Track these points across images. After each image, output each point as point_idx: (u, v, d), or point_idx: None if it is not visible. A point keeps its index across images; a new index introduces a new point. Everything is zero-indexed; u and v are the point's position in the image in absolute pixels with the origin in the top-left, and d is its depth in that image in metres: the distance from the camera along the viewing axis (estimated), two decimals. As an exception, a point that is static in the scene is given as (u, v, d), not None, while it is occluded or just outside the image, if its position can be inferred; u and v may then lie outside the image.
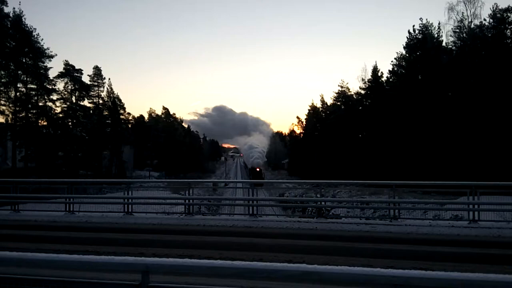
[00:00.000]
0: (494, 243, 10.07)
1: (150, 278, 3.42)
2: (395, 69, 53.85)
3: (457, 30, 45.19)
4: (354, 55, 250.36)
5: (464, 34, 44.22)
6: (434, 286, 3.12)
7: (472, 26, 42.78)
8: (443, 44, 47.62)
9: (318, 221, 13.65)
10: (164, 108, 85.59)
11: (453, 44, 46.83)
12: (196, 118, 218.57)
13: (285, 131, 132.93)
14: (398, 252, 9.24)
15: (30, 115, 47.10)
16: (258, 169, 79.18)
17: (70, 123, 54.15)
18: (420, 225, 12.34)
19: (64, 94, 53.33)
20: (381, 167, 51.42)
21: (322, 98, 77.27)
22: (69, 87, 54.26)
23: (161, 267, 3.47)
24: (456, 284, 3.07)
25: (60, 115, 52.59)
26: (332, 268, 3.29)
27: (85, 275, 3.72)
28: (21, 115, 46.12)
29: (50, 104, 50.17)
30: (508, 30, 40.68)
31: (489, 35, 40.13)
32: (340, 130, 62.65)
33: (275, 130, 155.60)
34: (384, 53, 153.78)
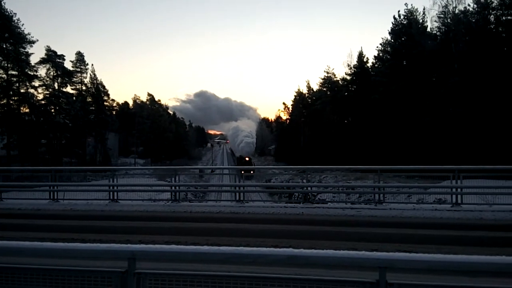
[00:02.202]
0: (476, 225, 10.28)
1: (137, 265, 3.40)
2: (380, 54, 54.08)
3: (442, 16, 45.42)
4: (340, 41, 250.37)
5: (449, 20, 44.47)
6: (418, 267, 3.18)
7: (457, 11, 43.04)
8: (428, 29, 47.91)
9: (305, 206, 13.75)
10: (149, 94, 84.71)
11: (437, 30, 47.11)
12: (178, 104, 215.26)
13: (271, 117, 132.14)
14: (383, 235, 9.39)
15: (11, 102, 46.16)
16: (247, 159, 70.48)
17: (52, 110, 53.17)
18: (404, 209, 12.53)
19: (46, 81, 52.25)
20: (367, 152, 51.94)
21: (308, 84, 77.42)
22: (51, 73, 53.10)
23: (148, 253, 3.46)
24: (440, 265, 3.13)
25: (43, 102, 51.60)
26: (318, 252, 3.32)
27: (71, 264, 3.69)
28: (2, 102, 45.20)
29: (32, 90, 49.28)
30: (492, 15, 41.04)
31: (473, 20, 40.44)
32: (326, 115, 62.92)
33: (261, 116, 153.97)
34: (370, 38, 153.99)
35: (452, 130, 39.45)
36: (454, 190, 13.18)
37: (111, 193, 15.13)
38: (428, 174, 15.11)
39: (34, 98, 49.59)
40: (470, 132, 38.57)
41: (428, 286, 3.02)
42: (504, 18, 40.18)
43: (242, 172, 17.47)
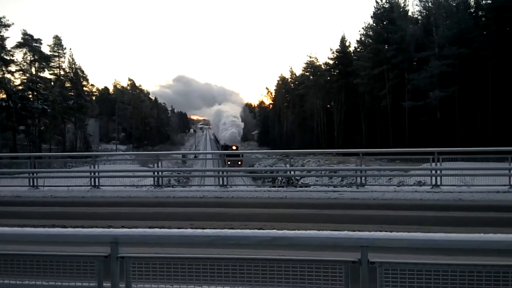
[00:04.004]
0: (455, 206, 10.53)
1: (120, 250, 3.37)
2: (363, 39, 54.24)
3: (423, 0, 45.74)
4: (323, 25, 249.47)
5: (430, 4, 44.78)
6: (398, 246, 3.24)
7: (438, -5, 43.36)
8: (409, 13, 48.19)
9: (288, 190, 13.85)
10: (129, 79, 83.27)
11: (419, 13, 47.45)
12: (157, 89, 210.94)
13: (254, 103, 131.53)
14: (365, 217, 9.56)
15: (-13, 87, 44.92)
16: (234, 147, 57.64)
17: (30, 96, 51.87)
18: (386, 191, 12.72)
19: (23, 65, 50.89)
20: (349, 136, 52.45)
21: (291, 69, 77.36)
22: (28, 57, 51.69)
23: (130, 237, 3.43)
24: (419, 243, 3.19)
25: (20, 87, 50.34)
26: (301, 232, 3.35)
27: (52, 250, 3.63)
28: (-23, 88, 43.91)
29: (8, 76, 48.17)
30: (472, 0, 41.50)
31: (454, 4, 40.79)
32: (309, 100, 63.13)
33: (244, 101, 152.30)
34: (354, 23, 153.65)
35: (434, 113, 40.07)
36: (433, 172, 13.45)
37: (92, 179, 14.95)
38: (409, 157, 15.37)
39: (11, 84, 48.38)
40: (451, 116, 39.26)
41: (408, 264, 3.08)
42: (484, 2, 40.66)
43: (229, 162, 17.18)
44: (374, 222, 8.85)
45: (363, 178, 14.22)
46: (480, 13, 41.12)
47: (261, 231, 3.44)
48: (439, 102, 38.45)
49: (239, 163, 23.51)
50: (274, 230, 3.40)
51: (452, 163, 14.01)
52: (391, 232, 3.56)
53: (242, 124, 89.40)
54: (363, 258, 3.10)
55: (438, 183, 13.06)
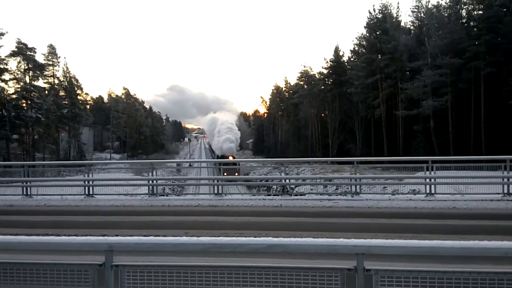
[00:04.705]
0: (449, 214, 10.55)
1: (114, 259, 3.34)
2: (356, 48, 54.69)
3: (415, 10, 46.29)
4: (317, 35, 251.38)
5: (422, 14, 45.31)
6: (394, 253, 3.24)
7: (430, 6, 43.92)
8: (402, 23, 48.72)
9: (283, 198, 13.83)
10: (124, 88, 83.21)
11: (411, 24, 47.99)
12: (151, 98, 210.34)
13: (248, 112, 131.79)
14: (360, 225, 9.55)
15: (-20, 96, 44.63)
16: (231, 158, 53.92)
17: (24, 104, 51.63)
18: (380, 200, 12.73)
19: (17, 74, 50.70)
20: (344, 144, 52.59)
21: (286, 78, 77.94)
22: (22, 66, 51.51)
23: (125, 245, 3.41)
24: (415, 250, 3.20)
25: (13, 96, 50.08)
26: (296, 240, 3.35)
27: (46, 259, 3.60)
28: (-29, 96, 43.59)
29: (2, 84, 47.76)
30: (464, 10, 42.01)
31: (446, 14, 41.30)
32: (303, 109, 63.37)
33: (239, 110, 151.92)
34: (347, 33, 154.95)
35: (427, 122, 40.32)
36: (428, 180, 13.50)
37: (86, 188, 14.87)
38: (403, 165, 15.43)
39: (5, 92, 48.08)
40: (444, 125, 39.52)
41: (404, 271, 3.08)
42: (475, 12, 41.19)
43: (225, 173, 16.86)
44: (369, 230, 8.85)
45: (357, 186, 14.24)
46: (472, 23, 41.64)
47: (257, 238, 3.43)
48: (432, 111, 38.73)
49: (236, 174, 21.70)
50: (270, 238, 3.39)
51: (446, 172, 14.09)
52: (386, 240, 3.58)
53: (238, 133, 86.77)
54: (359, 265, 3.10)
55: (433, 191, 13.11)
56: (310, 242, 3.27)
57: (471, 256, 3.34)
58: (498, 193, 12.60)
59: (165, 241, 3.51)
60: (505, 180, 12.80)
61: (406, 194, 14.99)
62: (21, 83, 51.08)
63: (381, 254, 3.28)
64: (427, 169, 13.29)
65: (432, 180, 13.38)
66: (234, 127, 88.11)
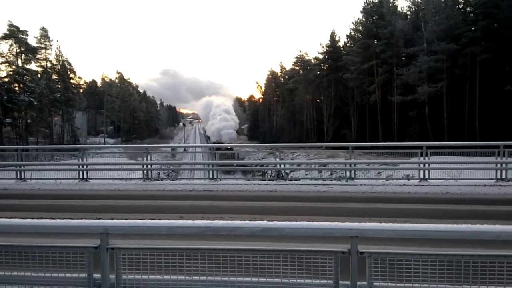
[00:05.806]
0: (443, 199, 10.66)
1: (110, 242, 3.35)
2: (352, 33, 54.37)
3: (412, -5, 45.97)
4: (314, 20, 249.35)
5: (419, -1, 45.05)
6: (387, 236, 3.28)
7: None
8: (399, 8, 48.41)
9: (278, 183, 13.89)
10: (118, 72, 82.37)
11: (408, 9, 47.69)
12: (144, 82, 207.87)
13: (243, 97, 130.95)
14: (354, 210, 9.62)
15: (-28, 79, 44.15)
16: (228, 147, 46.84)
17: (16, 88, 51.13)
18: (375, 185, 12.83)
19: (9, 57, 50.19)
20: (338, 130, 52.68)
21: (281, 63, 77.41)
22: (14, 49, 50.92)
23: (121, 228, 3.42)
24: (409, 234, 3.24)
25: (6, 79, 49.61)
26: (291, 223, 3.37)
27: (41, 242, 3.60)
28: (-38, 80, 43.10)
29: (-7, 68, 47.24)
30: (461, -5, 41.81)
31: (442, 0, 41.06)
32: (298, 94, 63.20)
33: (234, 95, 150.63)
34: (344, 18, 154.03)
35: (422, 108, 40.43)
36: (422, 166, 13.59)
37: (80, 172, 14.82)
38: (398, 151, 15.51)
39: (-4, 76, 47.66)
40: (439, 110, 39.64)
41: (397, 254, 3.12)
42: (472, -2, 41.02)
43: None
44: (363, 215, 8.92)
45: (352, 171, 14.31)
46: (468, 9, 41.47)
47: (252, 222, 3.45)
48: (427, 97, 38.79)
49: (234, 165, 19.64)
50: (265, 221, 3.41)
51: (440, 157, 14.18)
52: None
53: (236, 117, 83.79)
54: (353, 248, 3.13)
55: (426, 176, 13.21)
56: (305, 226, 3.30)
57: (463, 240, 3.38)
58: (491, 179, 12.71)
59: (160, 224, 3.52)
60: (498, 165, 12.91)
61: (400, 179, 15.08)
62: (13, 67, 50.56)
63: (375, 237, 3.32)
64: (421, 155, 13.37)
65: (426, 165, 13.47)
66: (231, 109, 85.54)
